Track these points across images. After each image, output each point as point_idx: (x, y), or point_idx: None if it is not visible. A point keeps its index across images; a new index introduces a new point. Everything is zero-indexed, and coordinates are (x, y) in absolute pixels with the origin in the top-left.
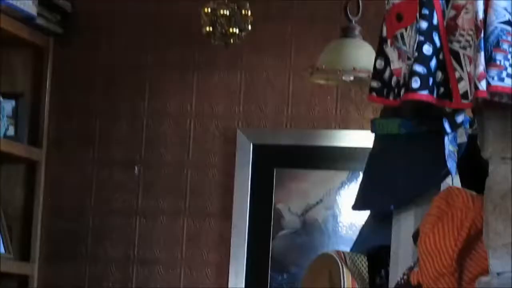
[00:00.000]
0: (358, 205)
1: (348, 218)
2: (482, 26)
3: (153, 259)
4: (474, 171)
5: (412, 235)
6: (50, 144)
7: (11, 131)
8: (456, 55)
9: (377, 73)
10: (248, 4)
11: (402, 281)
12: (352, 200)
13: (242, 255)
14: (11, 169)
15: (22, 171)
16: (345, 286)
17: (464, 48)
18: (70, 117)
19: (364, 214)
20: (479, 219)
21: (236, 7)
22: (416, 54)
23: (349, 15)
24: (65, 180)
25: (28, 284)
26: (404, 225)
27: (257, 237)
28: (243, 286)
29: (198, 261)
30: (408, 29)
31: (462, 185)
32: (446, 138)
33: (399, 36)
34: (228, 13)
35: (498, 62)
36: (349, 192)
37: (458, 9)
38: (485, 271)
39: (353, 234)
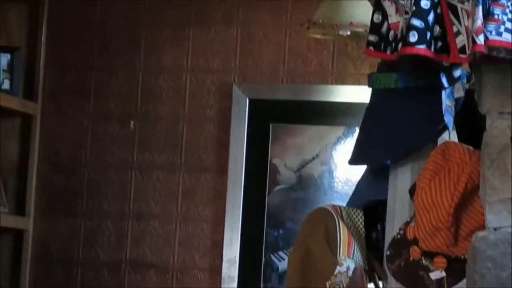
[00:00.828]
0: (354, 160)
1: (344, 174)
2: None
3: (148, 213)
4: (471, 126)
5: (408, 190)
6: (45, 98)
7: (6, 85)
8: (454, 9)
9: (374, 27)
10: None
11: (399, 235)
12: (348, 155)
13: (238, 210)
14: (6, 123)
15: (17, 125)
16: (341, 240)
17: (462, 2)
18: (65, 71)
19: (361, 169)
20: (476, 174)
21: None
22: (413, 8)
23: None
24: (60, 134)
25: (23, 238)
26: (401, 180)
27: (252, 192)
28: (239, 241)
29: (193, 216)
30: None
31: (459, 140)
32: (443, 93)
33: None
34: None
35: (496, 17)
36: (345, 147)
37: None
38: (482, 226)
39: (349, 190)
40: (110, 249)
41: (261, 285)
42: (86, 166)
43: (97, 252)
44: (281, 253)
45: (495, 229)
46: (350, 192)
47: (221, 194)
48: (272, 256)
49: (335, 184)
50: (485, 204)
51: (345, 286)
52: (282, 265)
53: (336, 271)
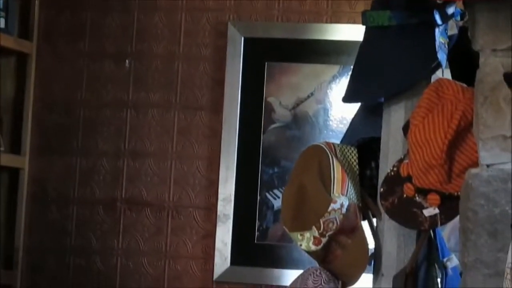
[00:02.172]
0: (348, 97)
1: (339, 112)
2: None
3: (143, 152)
4: (465, 63)
5: (402, 127)
6: (40, 37)
7: (1, 24)
8: None
9: None
10: None
11: (392, 173)
12: (343, 93)
13: (233, 148)
14: (1, 62)
15: (12, 63)
16: (335, 177)
17: None
18: (61, 10)
19: (355, 108)
20: (470, 111)
21: None
22: None
23: None
24: (56, 73)
25: (19, 176)
26: (394, 117)
27: (248, 130)
28: (234, 179)
29: (188, 154)
30: None
31: (452, 77)
32: (436, 30)
33: None
34: None
35: None
36: (340, 86)
37: None
38: (475, 163)
39: (344, 128)
40: (105, 187)
41: (256, 223)
42: (81, 105)
43: (93, 190)
44: (276, 191)
45: (488, 166)
46: (345, 130)
47: (216, 133)
48: (267, 194)
49: (330, 122)
50: (478, 141)
51: (339, 223)
52: (277, 203)
53: (330, 208)
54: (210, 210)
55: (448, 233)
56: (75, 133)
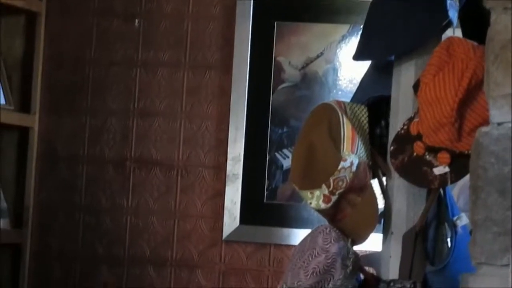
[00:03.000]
0: (359, 55)
1: (348, 72)
2: None
3: (153, 111)
4: (476, 21)
5: (412, 85)
6: None
7: None
8: None
9: None
10: None
11: (402, 131)
12: (353, 52)
13: (242, 108)
14: (11, 20)
15: (22, 22)
16: (345, 135)
17: None
18: None
19: (364, 67)
20: (480, 69)
21: None
22: None
23: None
24: (65, 31)
25: (29, 135)
26: (405, 75)
27: (257, 90)
28: (243, 139)
29: (198, 114)
30: None
31: (463, 35)
32: None
33: None
34: None
35: None
36: (350, 45)
37: None
38: (486, 122)
39: (353, 87)
40: (115, 146)
41: (265, 183)
42: (91, 64)
43: (102, 150)
44: (285, 150)
45: (498, 124)
46: (354, 90)
47: (225, 92)
48: (276, 153)
49: (340, 82)
50: (488, 99)
51: (348, 181)
52: (286, 163)
53: (339, 166)
54: (220, 170)
55: (457, 193)
56: (84, 92)
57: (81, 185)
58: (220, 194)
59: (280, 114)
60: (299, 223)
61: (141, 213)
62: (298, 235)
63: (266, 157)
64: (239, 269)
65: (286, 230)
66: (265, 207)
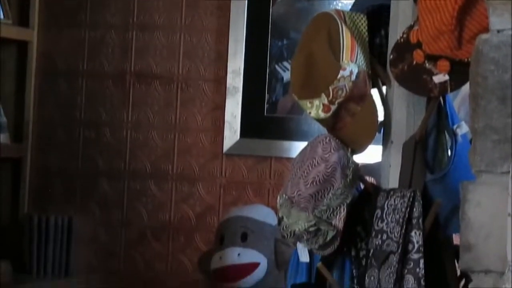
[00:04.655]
0: None
1: None
2: None
3: (152, 24)
4: None
5: None
6: None
7: None
8: None
9: None
10: None
11: (402, 39)
12: None
13: (242, 20)
14: None
15: None
16: (344, 44)
17: None
18: None
19: None
20: None
21: None
22: None
23: None
24: None
25: (28, 49)
26: None
27: (257, 2)
28: (243, 52)
29: (197, 26)
30: None
31: None
32: None
33: None
34: None
35: None
36: None
37: None
38: (485, 29)
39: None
40: (114, 60)
41: (266, 96)
42: None
43: (102, 64)
44: (285, 63)
45: (498, 31)
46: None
47: (225, 5)
48: (276, 66)
49: None
50: (488, 6)
51: (348, 90)
52: (286, 76)
53: (339, 75)
54: (220, 83)
55: (458, 104)
56: (83, 5)
57: (81, 100)
58: (220, 108)
59: (280, 26)
60: (300, 136)
61: (141, 127)
62: (299, 148)
63: (266, 70)
64: (240, 182)
65: (286, 143)
66: (266, 120)
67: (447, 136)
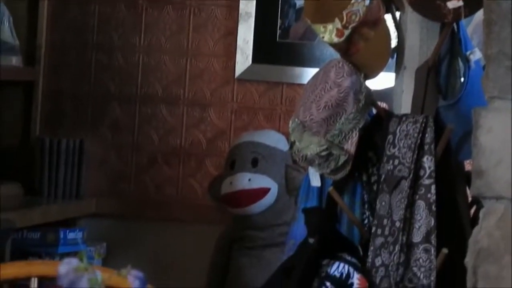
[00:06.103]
0: None
1: None
2: None
3: None
4: None
5: None
6: None
7: None
8: None
9: None
10: None
11: None
12: None
13: None
14: None
15: None
16: None
17: None
18: None
19: None
20: None
21: None
22: None
23: None
24: None
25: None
26: None
27: None
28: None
29: None
30: None
31: None
32: None
33: None
34: None
35: None
36: None
37: None
38: None
39: None
40: None
41: (278, 21)
42: None
43: None
44: None
45: None
46: None
47: None
48: None
49: None
50: None
51: (361, 15)
52: (299, 1)
53: (353, 0)
54: (232, 8)
55: (471, 31)
56: None
57: (93, 24)
58: (232, 33)
59: None
60: (312, 62)
61: (153, 51)
62: (310, 74)
63: None
64: (251, 107)
65: (298, 69)
66: (278, 46)
67: (460, 62)
